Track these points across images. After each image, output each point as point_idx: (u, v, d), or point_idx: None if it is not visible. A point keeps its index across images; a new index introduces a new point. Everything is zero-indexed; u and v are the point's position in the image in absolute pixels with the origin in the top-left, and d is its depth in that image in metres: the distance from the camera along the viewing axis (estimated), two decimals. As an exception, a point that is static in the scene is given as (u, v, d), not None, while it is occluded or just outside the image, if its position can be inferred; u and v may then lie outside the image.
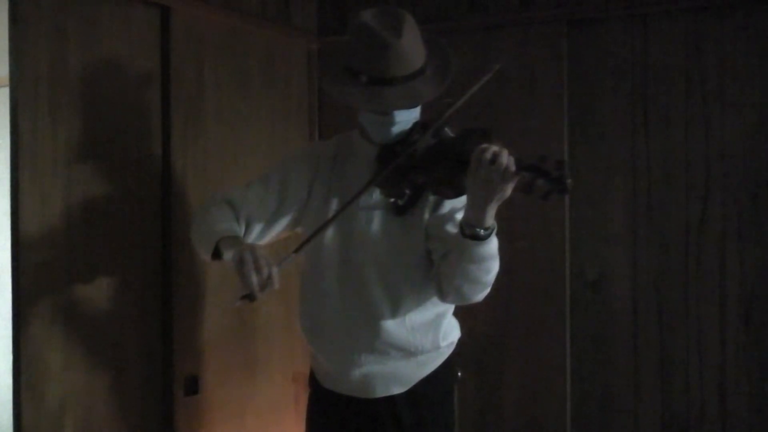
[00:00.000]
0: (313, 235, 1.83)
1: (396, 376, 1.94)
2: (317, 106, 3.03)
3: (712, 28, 2.53)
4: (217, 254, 1.85)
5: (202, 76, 2.52)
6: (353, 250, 1.90)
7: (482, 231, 1.69)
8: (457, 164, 1.71)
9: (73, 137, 2.13)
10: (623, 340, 2.66)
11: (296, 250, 1.80)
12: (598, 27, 2.68)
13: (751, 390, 2.51)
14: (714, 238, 2.54)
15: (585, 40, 2.70)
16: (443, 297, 1.87)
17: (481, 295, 1.83)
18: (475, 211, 1.67)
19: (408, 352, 1.92)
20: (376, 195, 1.87)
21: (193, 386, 2.46)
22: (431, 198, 1.87)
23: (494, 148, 1.62)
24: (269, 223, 1.95)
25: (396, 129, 1.85)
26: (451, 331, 2.00)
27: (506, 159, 1.60)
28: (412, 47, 1.77)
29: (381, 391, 1.94)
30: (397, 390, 1.94)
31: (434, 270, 1.86)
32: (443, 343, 1.97)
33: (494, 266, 1.77)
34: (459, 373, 2.05)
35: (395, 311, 1.89)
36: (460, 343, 2.04)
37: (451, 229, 1.82)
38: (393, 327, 1.89)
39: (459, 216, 1.82)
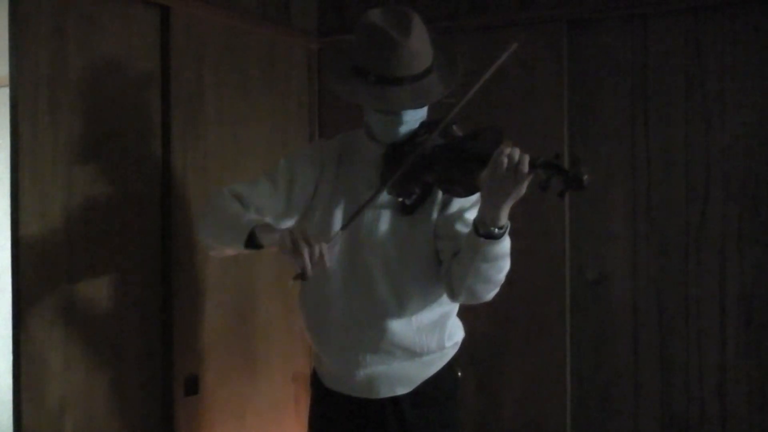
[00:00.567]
0: (358, 212, 1.80)
1: (401, 376, 1.93)
2: (317, 106, 3.03)
3: (712, 28, 2.53)
4: (251, 243, 1.80)
5: (202, 76, 2.52)
6: (360, 250, 1.89)
7: (496, 230, 1.70)
8: (468, 163, 1.72)
9: (73, 137, 2.13)
10: (623, 340, 2.66)
11: (343, 227, 1.81)
12: (598, 27, 2.68)
13: (751, 390, 2.51)
14: (714, 238, 2.54)
15: (585, 40, 2.70)
16: (454, 297, 1.87)
17: (491, 294, 1.84)
18: (491, 209, 1.68)
19: (413, 353, 1.92)
20: (384, 194, 1.87)
21: (193, 386, 2.46)
22: (439, 197, 1.87)
23: (514, 149, 1.63)
24: (276, 222, 1.93)
25: (404, 129, 1.85)
26: (455, 332, 2.01)
27: (522, 157, 1.62)
28: (420, 46, 1.77)
29: (385, 392, 1.94)
30: (402, 390, 1.94)
31: (443, 269, 1.86)
32: (448, 344, 1.97)
33: (506, 265, 1.79)
34: (459, 373, 2.05)
35: (402, 311, 1.89)
36: (461, 342, 2.04)
37: (461, 227, 1.82)
38: (399, 327, 1.89)
39: (468, 215, 1.83)
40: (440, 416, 1.98)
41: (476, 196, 1.78)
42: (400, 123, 1.84)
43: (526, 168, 1.61)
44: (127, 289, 2.29)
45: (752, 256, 2.50)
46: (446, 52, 1.86)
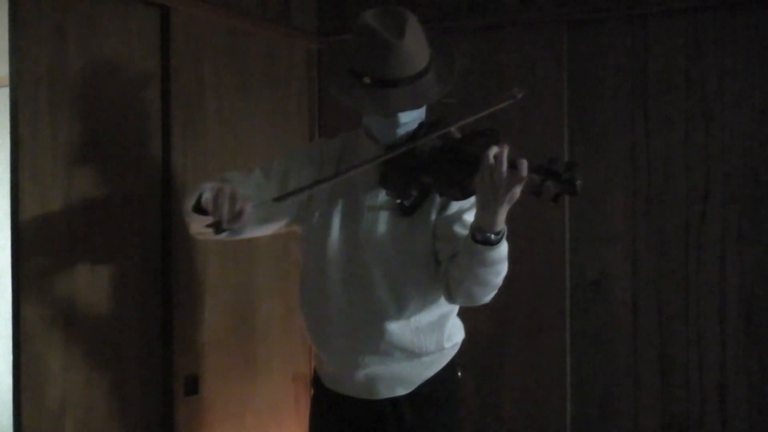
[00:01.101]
0: (299, 190, 1.73)
1: (400, 377, 1.93)
2: (317, 106, 3.03)
3: (712, 28, 2.53)
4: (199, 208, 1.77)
5: (202, 76, 2.52)
6: (359, 251, 1.88)
7: (493, 236, 1.67)
8: (465, 165, 1.70)
9: (73, 137, 2.13)
10: (623, 340, 2.66)
11: (277, 199, 1.72)
12: (598, 27, 2.68)
13: (751, 390, 2.51)
14: (714, 238, 2.54)
15: (585, 40, 2.69)
16: (451, 299, 1.86)
17: (489, 297, 1.83)
18: (486, 214, 1.65)
19: (412, 354, 1.92)
20: (382, 196, 1.86)
21: (193, 386, 2.46)
22: (438, 199, 1.86)
23: (504, 149, 1.59)
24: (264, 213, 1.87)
25: (402, 130, 1.84)
26: (455, 333, 2.00)
27: (515, 160, 1.58)
28: (415, 47, 1.75)
29: (385, 393, 1.93)
30: (402, 391, 1.94)
31: (442, 271, 1.85)
32: (447, 345, 1.97)
33: (504, 269, 1.77)
34: (459, 373, 2.04)
35: (400, 312, 1.88)
36: (461, 343, 2.04)
37: (459, 229, 1.81)
38: (398, 328, 1.89)
39: (466, 216, 1.82)
40: (440, 417, 1.98)
41: (474, 198, 1.77)
42: (397, 125, 1.83)
43: (521, 172, 1.57)
44: (127, 289, 2.29)
45: (752, 256, 2.50)
46: (443, 51, 1.85)
